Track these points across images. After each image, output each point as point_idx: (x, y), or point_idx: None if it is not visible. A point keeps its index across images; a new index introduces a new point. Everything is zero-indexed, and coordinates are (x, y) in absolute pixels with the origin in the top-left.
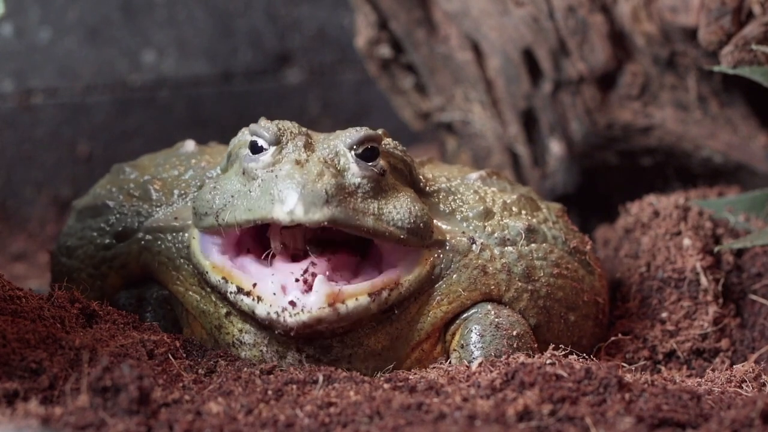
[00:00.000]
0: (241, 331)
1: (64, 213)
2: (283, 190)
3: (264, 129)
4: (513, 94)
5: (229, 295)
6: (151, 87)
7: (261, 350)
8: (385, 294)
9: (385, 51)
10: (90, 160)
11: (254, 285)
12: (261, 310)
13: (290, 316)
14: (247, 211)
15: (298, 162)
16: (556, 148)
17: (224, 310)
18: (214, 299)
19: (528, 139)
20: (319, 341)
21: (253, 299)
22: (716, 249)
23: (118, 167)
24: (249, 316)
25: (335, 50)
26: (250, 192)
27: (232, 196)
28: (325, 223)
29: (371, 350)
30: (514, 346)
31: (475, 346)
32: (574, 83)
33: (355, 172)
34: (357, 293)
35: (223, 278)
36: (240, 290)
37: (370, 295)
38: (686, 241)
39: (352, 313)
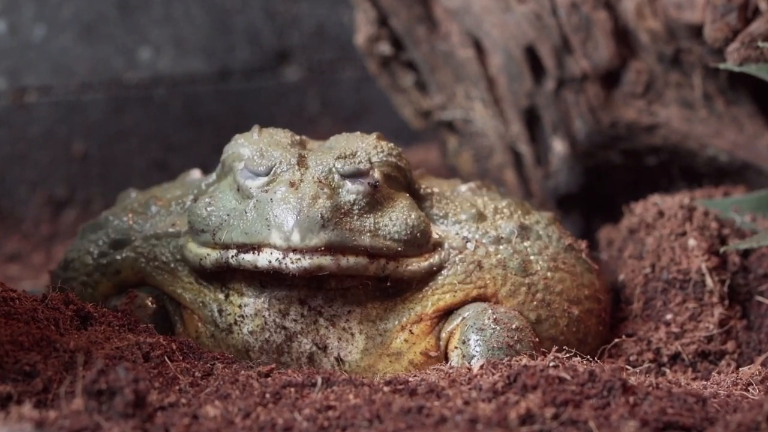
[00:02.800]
0: (240, 306)
1: (59, 213)
2: (279, 215)
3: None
4: (515, 92)
5: (230, 260)
6: (147, 85)
7: (263, 317)
8: (383, 261)
9: (385, 48)
10: (85, 159)
11: None
12: (263, 261)
13: (292, 262)
14: (244, 234)
15: (292, 184)
16: (559, 147)
17: (222, 295)
18: (211, 290)
19: (530, 138)
20: (323, 293)
21: (255, 253)
22: (722, 250)
23: (124, 193)
24: (248, 275)
25: (334, 48)
26: (246, 212)
27: (228, 215)
28: (323, 247)
29: (367, 314)
30: (515, 338)
31: (476, 342)
32: (578, 81)
33: (349, 189)
34: (358, 254)
35: (223, 247)
36: (240, 249)
37: (369, 257)
38: (691, 242)
39: (351, 268)
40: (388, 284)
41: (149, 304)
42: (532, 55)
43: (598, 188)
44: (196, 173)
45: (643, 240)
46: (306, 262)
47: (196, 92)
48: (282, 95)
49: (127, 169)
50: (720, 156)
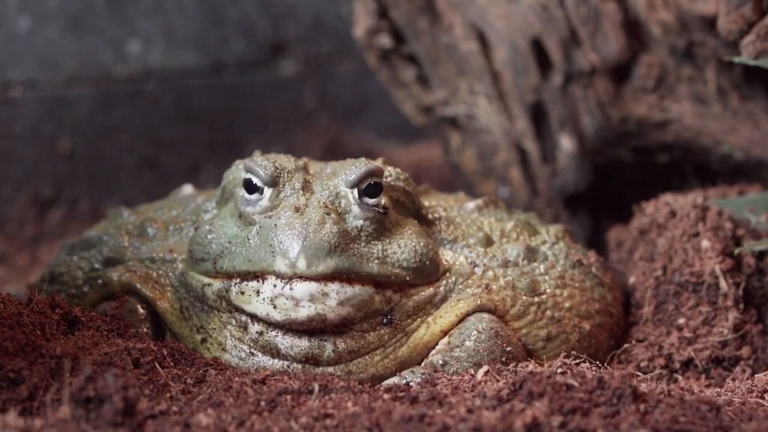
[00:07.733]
0: (220, 357)
1: (44, 213)
2: (284, 241)
3: (260, 168)
4: (521, 87)
5: (232, 287)
6: (137, 79)
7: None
8: (389, 293)
9: (385, 41)
10: (72, 157)
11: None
12: (267, 287)
13: (297, 284)
14: (247, 261)
15: (297, 209)
16: (566, 144)
17: (199, 337)
18: (190, 327)
19: (537, 134)
20: (322, 367)
21: (259, 281)
22: (737, 251)
23: (116, 211)
24: (236, 334)
25: (332, 40)
26: (249, 239)
27: (230, 242)
28: (330, 274)
29: (380, 377)
30: (503, 359)
31: (469, 338)
32: (586, 75)
33: (357, 214)
34: (364, 281)
35: (226, 276)
36: (245, 278)
37: (375, 287)
38: (705, 243)
39: (357, 297)
40: (391, 320)
41: (140, 308)
42: (538, 48)
43: (608, 187)
44: (188, 189)
45: (655, 241)
46: (312, 285)
47: (187, 87)
48: (277, 90)
49: (116, 167)
50: (735, 153)
